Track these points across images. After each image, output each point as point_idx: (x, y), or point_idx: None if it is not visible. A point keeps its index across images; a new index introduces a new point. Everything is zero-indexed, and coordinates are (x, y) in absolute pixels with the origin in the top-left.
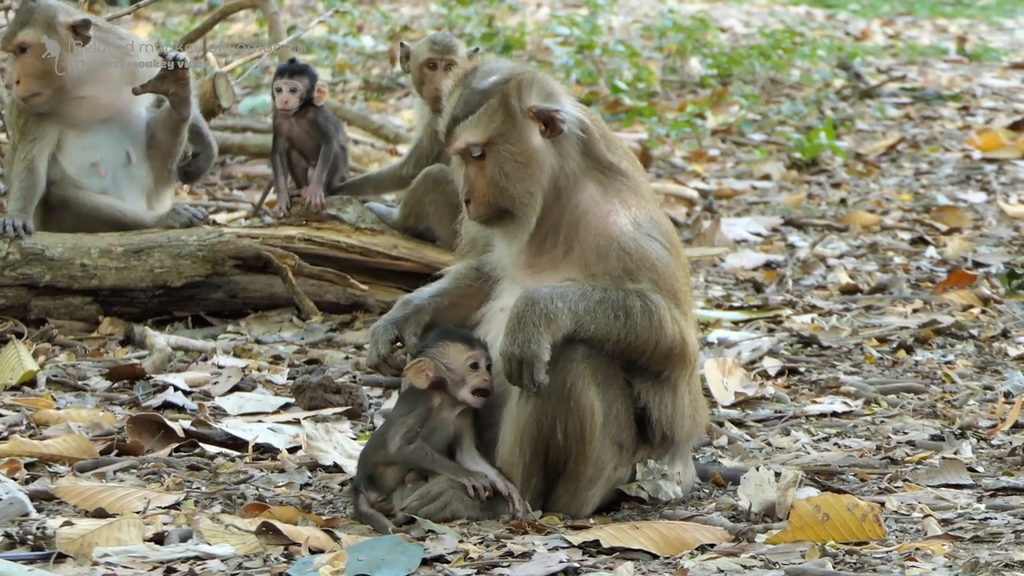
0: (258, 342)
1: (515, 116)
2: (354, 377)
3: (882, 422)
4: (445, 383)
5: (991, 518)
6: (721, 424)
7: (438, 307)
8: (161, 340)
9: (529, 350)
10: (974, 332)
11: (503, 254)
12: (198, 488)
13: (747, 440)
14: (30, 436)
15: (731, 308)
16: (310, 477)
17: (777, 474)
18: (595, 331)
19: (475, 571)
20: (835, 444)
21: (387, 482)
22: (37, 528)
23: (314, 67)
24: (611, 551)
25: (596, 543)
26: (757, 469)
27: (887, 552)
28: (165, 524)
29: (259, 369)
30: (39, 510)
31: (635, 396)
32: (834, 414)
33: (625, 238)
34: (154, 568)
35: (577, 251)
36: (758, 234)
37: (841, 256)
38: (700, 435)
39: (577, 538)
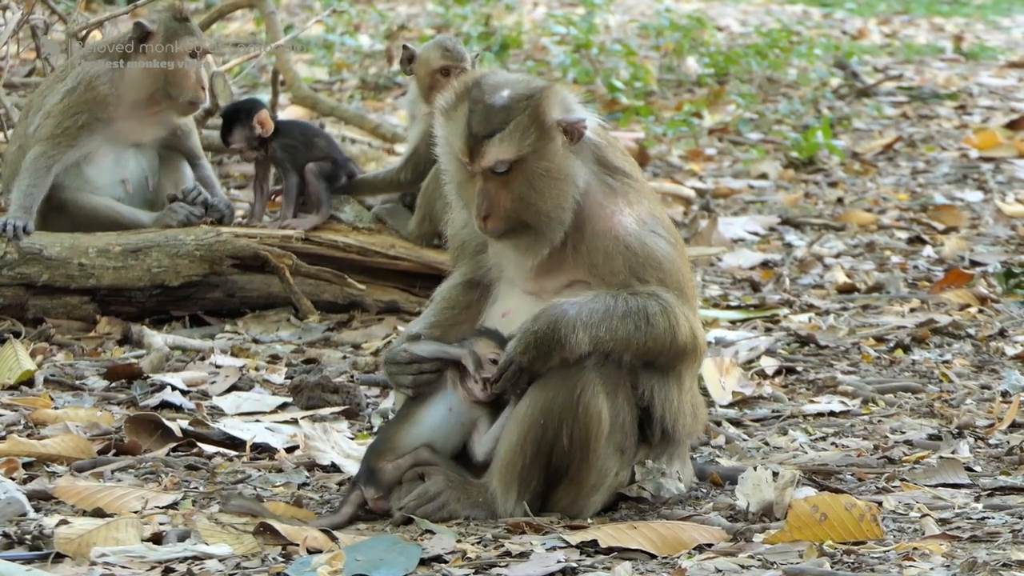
0: (256, 341)
1: (548, 131)
2: (352, 377)
3: (879, 421)
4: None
5: (989, 517)
6: (719, 423)
7: (432, 337)
8: (159, 339)
9: (535, 367)
10: (971, 331)
11: (505, 258)
12: (196, 488)
13: (745, 439)
14: (28, 436)
15: (728, 307)
16: (308, 477)
17: (775, 474)
18: (614, 347)
19: (473, 571)
20: (832, 443)
21: (385, 478)
22: (35, 528)
23: (244, 106)
24: (609, 551)
25: (594, 543)
26: (755, 469)
27: (885, 552)
28: (163, 524)
29: (257, 368)
30: (37, 510)
31: (640, 394)
32: (831, 413)
33: (631, 238)
34: (152, 568)
35: (583, 252)
36: (755, 233)
37: (838, 255)
38: (699, 433)
39: (575, 538)
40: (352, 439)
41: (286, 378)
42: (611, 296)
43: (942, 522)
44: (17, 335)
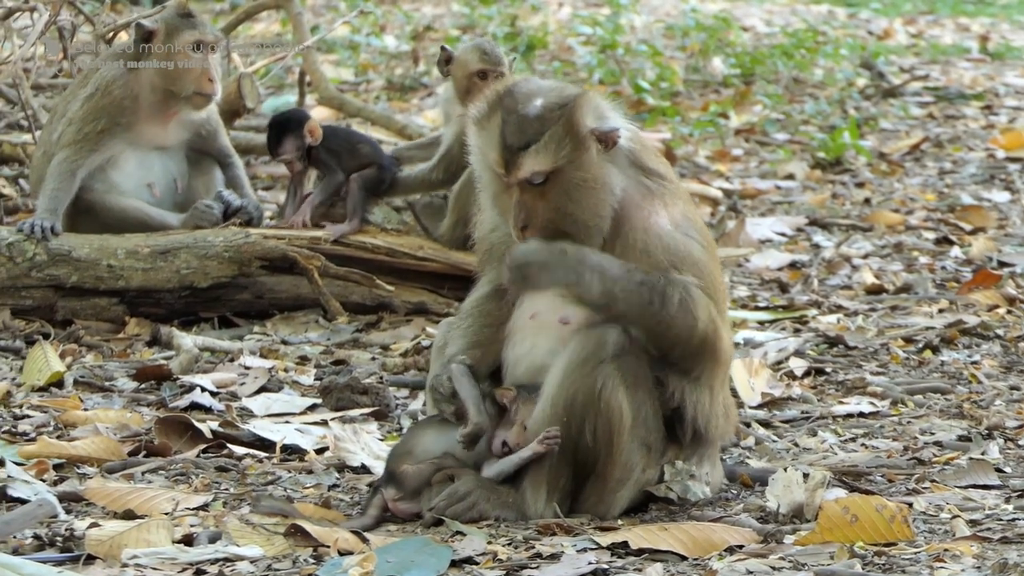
0: (284, 343)
1: (582, 141)
2: (381, 378)
3: (909, 423)
4: (505, 414)
5: (1019, 519)
6: (748, 425)
7: (473, 358)
8: (188, 341)
9: (541, 279)
10: (1000, 332)
11: None
12: (226, 489)
13: (774, 441)
14: (58, 437)
15: (757, 308)
16: (338, 478)
17: (805, 475)
18: (626, 311)
19: (504, 572)
20: (862, 445)
21: (405, 480)
22: (66, 530)
23: (294, 116)
24: (640, 552)
25: (625, 544)
26: (785, 470)
27: (916, 553)
28: (193, 525)
29: (286, 370)
30: (68, 511)
31: (670, 395)
32: (861, 415)
33: (668, 236)
34: (183, 570)
35: (618, 252)
36: (783, 234)
37: (866, 256)
38: (731, 434)
39: (606, 539)
40: (382, 440)
41: (315, 379)
42: (635, 266)
43: (972, 523)
44: (46, 336)
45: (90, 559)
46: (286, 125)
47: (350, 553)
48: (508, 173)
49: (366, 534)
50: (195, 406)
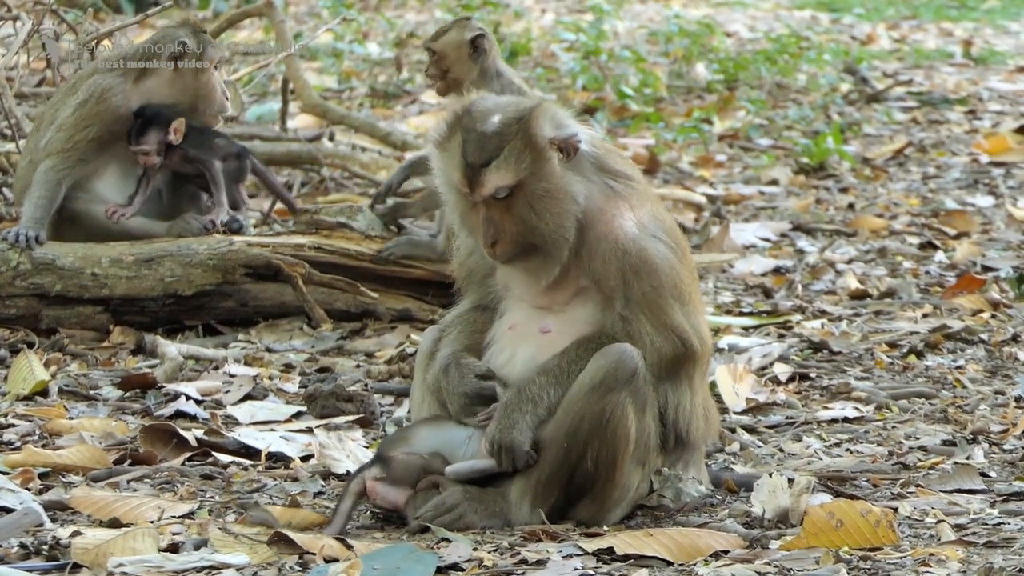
0: (269, 350)
1: (542, 152)
2: (366, 385)
3: (894, 427)
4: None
5: (1004, 523)
6: (733, 430)
7: None
8: (172, 349)
9: (508, 436)
10: (984, 337)
11: (515, 280)
12: (212, 497)
13: (759, 446)
14: (43, 446)
15: (741, 314)
16: (323, 486)
17: (790, 480)
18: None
19: None
20: (847, 450)
21: (395, 467)
22: (52, 538)
23: (164, 112)
24: (625, 558)
25: (610, 550)
26: (770, 475)
27: (901, 558)
28: (179, 534)
29: (270, 378)
30: (53, 520)
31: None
32: (845, 419)
33: (629, 242)
34: None
35: (584, 257)
36: (767, 239)
37: (850, 261)
38: (712, 437)
39: (591, 545)
40: (367, 448)
41: (300, 387)
42: (572, 345)
43: (958, 528)
44: (31, 345)
45: (76, 567)
46: (154, 119)
47: (335, 560)
48: (472, 191)
49: (351, 541)
50: (180, 414)
